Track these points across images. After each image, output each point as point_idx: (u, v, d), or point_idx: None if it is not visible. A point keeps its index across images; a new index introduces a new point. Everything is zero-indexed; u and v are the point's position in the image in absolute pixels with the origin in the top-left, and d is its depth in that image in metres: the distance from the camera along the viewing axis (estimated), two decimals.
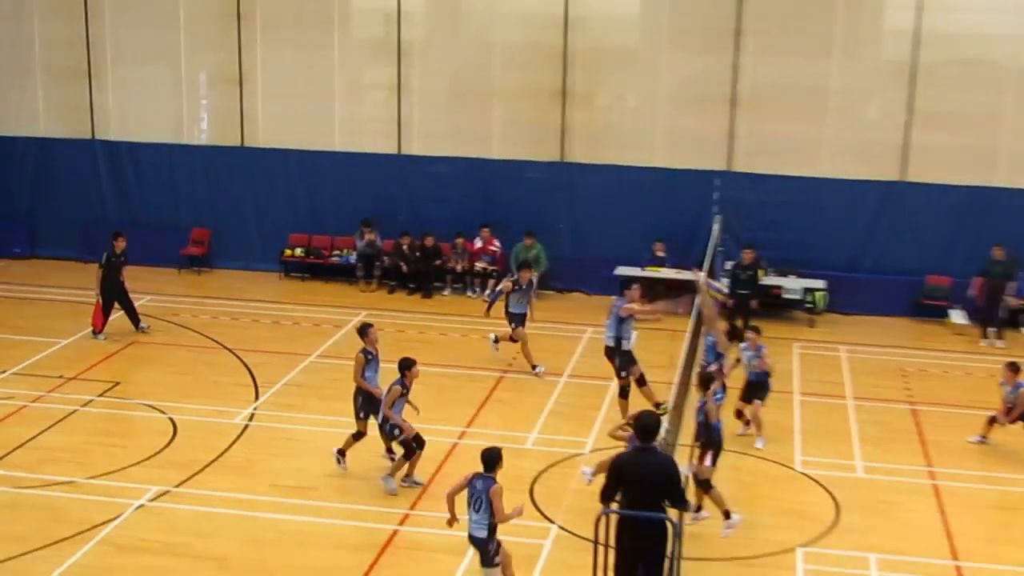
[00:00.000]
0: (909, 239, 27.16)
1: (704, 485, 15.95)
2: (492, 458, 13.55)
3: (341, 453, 17.68)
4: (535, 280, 24.23)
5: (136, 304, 24.46)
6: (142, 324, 24.36)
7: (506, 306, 22.77)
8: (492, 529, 13.50)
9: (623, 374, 19.86)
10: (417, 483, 17.55)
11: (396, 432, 17.20)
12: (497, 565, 13.48)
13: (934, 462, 19.01)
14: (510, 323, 22.74)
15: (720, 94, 27.31)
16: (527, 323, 22.83)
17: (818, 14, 26.84)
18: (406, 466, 17.36)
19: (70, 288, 27.03)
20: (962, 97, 27.07)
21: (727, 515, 15.78)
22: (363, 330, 18.17)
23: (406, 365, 17.29)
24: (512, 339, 22.75)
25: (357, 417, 17.72)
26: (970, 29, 27.15)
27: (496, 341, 22.80)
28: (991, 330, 25.48)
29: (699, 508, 16.18)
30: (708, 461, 16.01)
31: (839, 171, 27.20)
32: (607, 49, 28.33)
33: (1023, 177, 26.58)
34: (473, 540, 13.72)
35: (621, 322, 19.77)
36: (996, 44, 27.03)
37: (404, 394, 17.25)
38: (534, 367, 22.52)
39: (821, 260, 27.22)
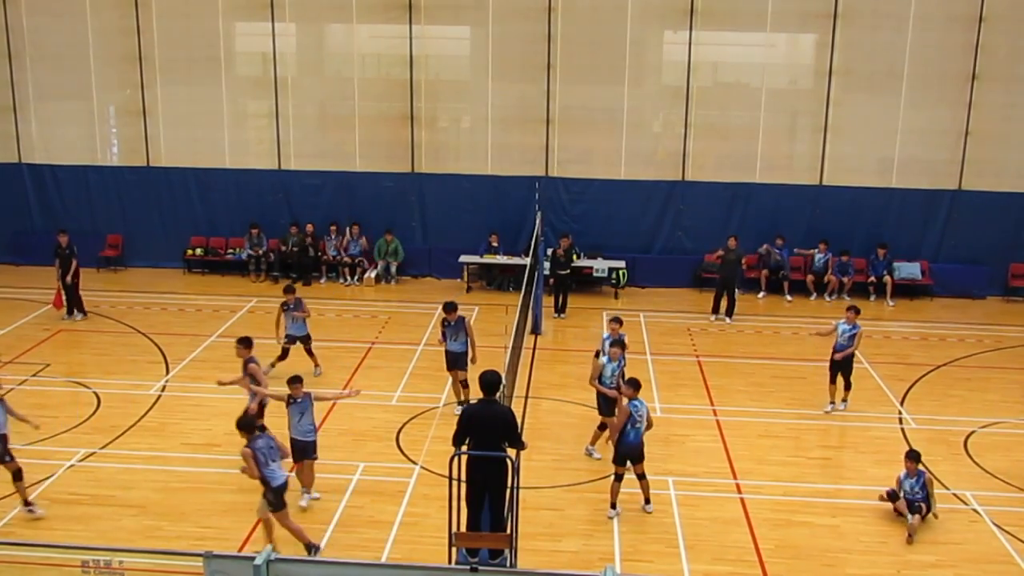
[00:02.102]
0: (689, 226, 27.54)
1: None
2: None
3: (27, 503, 14.52)
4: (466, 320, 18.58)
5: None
6: (68, 316, 23.47)
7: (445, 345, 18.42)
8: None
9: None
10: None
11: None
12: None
13: (715, 402, 19.32)
14: (448, 367, 18.37)
15: (537, 115, 27.29)
16: (468, 363, 18.11)
17: (612, 50, 26.88)
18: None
19: (3, 287, 25.92)
20: (726, 113, 27.60)
21: None
22: None
23: (289, 289, 20.18)
24: (463, 385, 18.11)
25: (2, 461, 14.35)
26: (730, 59, 27.78)
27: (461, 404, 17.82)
28: (723, 311, 24.58)
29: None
30: None
31: (633, 174, 27.42)
32: (445, 82, 28.20)
33: (775, 174, 27.12)
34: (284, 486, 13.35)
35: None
36: (751, 71, 27.48)
37: (288, 309, 19.63)
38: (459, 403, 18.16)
39: (622, 245, 27.41)
